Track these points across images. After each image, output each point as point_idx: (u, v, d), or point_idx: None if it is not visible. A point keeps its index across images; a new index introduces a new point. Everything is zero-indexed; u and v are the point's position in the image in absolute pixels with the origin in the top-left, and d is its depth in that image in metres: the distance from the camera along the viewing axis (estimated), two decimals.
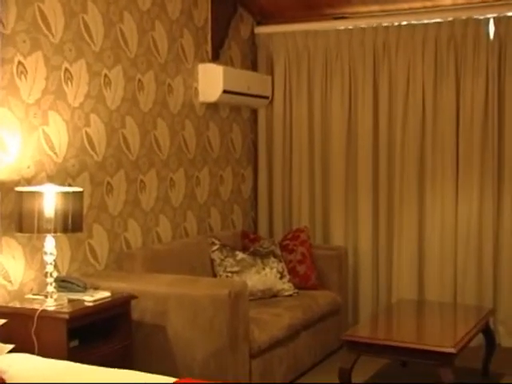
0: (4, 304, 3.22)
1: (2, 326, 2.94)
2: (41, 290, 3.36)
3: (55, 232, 3.06)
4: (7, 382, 2.48)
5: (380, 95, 5.13)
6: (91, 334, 3.24)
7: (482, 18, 4.80)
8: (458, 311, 4.48)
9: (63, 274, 3.60)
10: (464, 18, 4.83)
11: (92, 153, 3.85)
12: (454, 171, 4.92)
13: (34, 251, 3.43)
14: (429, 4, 4.92)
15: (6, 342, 2.92)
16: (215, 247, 4.49)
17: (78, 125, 3.73)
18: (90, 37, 3.81)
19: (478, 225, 4.85)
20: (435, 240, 4.98)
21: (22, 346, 2.93)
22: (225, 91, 4.79)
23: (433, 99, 4.96)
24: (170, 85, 4.52)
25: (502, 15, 4.73)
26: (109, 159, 3.98)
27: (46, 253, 3.13)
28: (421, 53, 4.98)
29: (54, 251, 3.15)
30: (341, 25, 5.21)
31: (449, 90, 4.91)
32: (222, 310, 3.43)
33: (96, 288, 3.43)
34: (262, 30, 5.49)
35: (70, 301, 3.17)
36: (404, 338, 3.67)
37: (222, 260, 4.44)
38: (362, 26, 5.14)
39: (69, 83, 3.66)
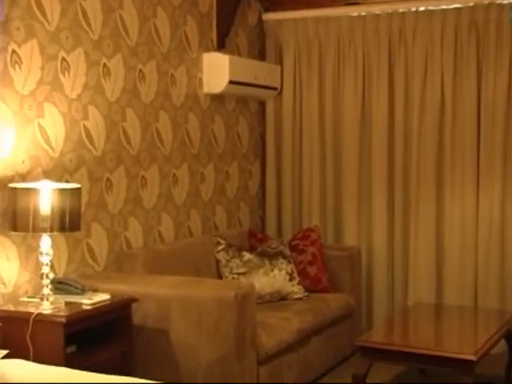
0: None
1: None
2: (36, 292, 3.36)
3: (51, 231, 3.07)
4: None
5: (396, 85, 5.11)
6: (89, 339, 3.25)
7: (505, 2, 4.76)
8: (479, 316, 4.46)
9: (60, 275, 3.61)
10: (486, 2, 4.79)
11: (90, 147, 3.85)
12: (475, 165, 4.89)
13: (29, 251, 3.44)
14: None
15: None
16: (221, 247, 4.49)
17: (75, 117, 3.74)
18: (88, 24, 3.81)
19: (500, 222, 4.81)
20: (454, 238, 4.95)
21: (17, 351, 2.94)
22: (231, 82, 4.79)
23: (452, 89, 4.93)
24: (172, 75, 4.52)
25: None
26: (108, 154, 3.98)
27: (41, 253, 3.14)
28: (439, 40, 4.95)
29: (51, 251, 3.15)
30: (353, 11, 5.18)
31: (469, 79, 4.88)
32: (228, 313, 3.43)
33: (95, 290, 3.43)
34: (270, 16, 5.47)
35: (67, 304, 3.18)
36: (421, 343, 3.66)
37: (228, 261, 4.44)
38: (377, 12, 5.11)
39: (66, 73, 3.66)
